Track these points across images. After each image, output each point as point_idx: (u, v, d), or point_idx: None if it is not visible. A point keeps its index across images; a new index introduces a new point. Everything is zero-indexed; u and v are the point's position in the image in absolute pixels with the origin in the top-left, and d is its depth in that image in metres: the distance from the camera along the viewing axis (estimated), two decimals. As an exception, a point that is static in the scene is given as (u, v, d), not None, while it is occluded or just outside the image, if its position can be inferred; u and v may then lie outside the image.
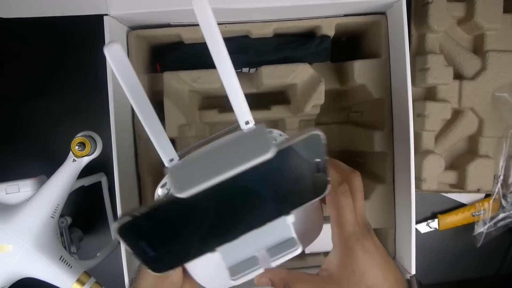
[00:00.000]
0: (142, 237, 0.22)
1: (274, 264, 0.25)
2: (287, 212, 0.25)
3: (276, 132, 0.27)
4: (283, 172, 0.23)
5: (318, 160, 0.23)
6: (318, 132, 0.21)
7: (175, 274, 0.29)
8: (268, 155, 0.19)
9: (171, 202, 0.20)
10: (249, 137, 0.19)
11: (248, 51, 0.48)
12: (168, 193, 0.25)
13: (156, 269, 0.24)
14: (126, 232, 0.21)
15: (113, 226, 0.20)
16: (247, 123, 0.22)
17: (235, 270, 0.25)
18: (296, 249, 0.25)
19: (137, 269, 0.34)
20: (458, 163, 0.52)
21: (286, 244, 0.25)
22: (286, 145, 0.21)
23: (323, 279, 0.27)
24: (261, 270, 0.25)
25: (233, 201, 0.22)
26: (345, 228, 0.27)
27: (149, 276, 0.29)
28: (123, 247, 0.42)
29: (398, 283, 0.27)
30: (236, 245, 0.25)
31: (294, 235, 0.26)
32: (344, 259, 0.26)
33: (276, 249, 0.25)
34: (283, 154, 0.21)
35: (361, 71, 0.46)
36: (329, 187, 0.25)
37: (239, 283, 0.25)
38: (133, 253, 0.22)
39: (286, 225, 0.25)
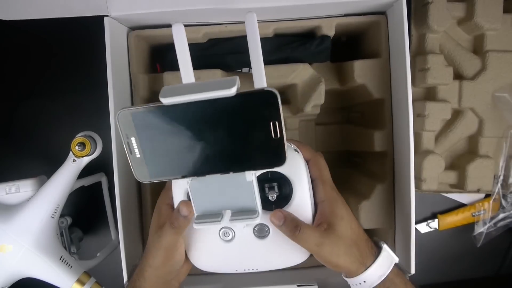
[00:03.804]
0: (133, 133, 0.26)
1: (231, 223, 0.29)
2: (247, 168, 0.27)
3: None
4: (243, 120, 0.25)
5: (275, 122, 0.25)
6: (274, 90, 0.24)
7: (179, 253, 0.34)
8: (230, 91, 0.23)
9: (156, 107, 0.25)
10: (225, 80, 0.24)
11: (248, 51, 0.48)
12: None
13: (138, 174, 0.27)
14: (123, 122, 0.25)
15: (116, 114, 0.25)
16: None
17: (201, 217, 0.29)
18: (254, 217, 0.28)
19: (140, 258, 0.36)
20: (458, 163, 0.52)
21: (248, 212, 0.29)
22: (245, 91, 0.24)
23: (324, 229, 0.32)
24: (220, 225, 0.29)
25: (205, 134, 0.26)
26: (328, 184, 0.34)
27: (158, 255, 0.33)
28: (122, 248, 0.42)
29: (362, 229, 0.35)
30: (208, 196, 0.29)
31: (257, 206, 0.29)
32: (333, 208, 0.33)
33: (238, 213, 0.29)
34: (242, 101, 0.25)
35: (361, 71, 0.46)
36: (287, 159, 0.27)
37: (198, 228, 0.29)
38: (126, 149, 0.26)
39: (250, 190, 0.28)
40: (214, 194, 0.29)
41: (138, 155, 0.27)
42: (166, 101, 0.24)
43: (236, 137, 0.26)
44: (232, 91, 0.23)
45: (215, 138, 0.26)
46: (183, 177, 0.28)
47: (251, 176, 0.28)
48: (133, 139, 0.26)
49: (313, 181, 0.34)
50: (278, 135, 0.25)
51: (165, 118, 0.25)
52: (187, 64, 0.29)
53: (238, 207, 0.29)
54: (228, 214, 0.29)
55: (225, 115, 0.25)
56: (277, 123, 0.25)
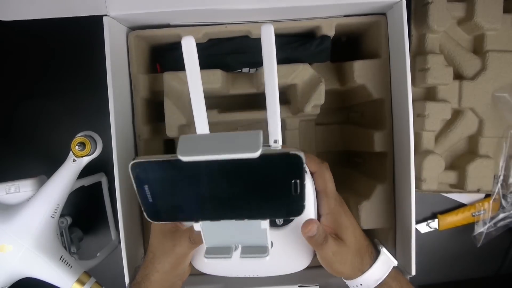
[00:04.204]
0: (146, 182, 0.25)
1: (241, 259, 0.28)
2: (263, 217, 0.27)
3: None
4: (264, 177, 0.25)
5: (296, 180, 0.24)
6: (299, 153, 0.23)
7: (189, 258, 0.34)
8: (254, 154, 0.22)
9: (172, 160, 0.24)
10: (248, 137, 0.23)
11: (248, 51, 0.48)
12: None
13: (149, 215, 0.27)
14: (136, 171, 0.25)
15: (130, 163, 0.25)
16: (275, 141, 0.28)
17: (211, 250, 0.29)
18: (264, 256, 0.28)
19: (142, 259, 0.36)
20: (458, 163, 0.52)
21: (259, 248, 0.29)
22: (269, 152, 0.23)
23: (337, 238, 0.34)
24: (228, 260, 0.29)
25: (223, 186, 0.25)
26: (332, 197, 0.34)
27: (168, 262, 0.33)
28: (123, 247, 0.42)
29: (363, 235, 0.36)
30: (220, 232, 0.29)
31: (268, 244, 0.29)
32: (338, 220, 0.34)
33: (249, 248, 0.29)
34: (266, 162, 0.24)
35: (361, 71, 0.46)
36: (304, 211, 0.26)
37: (208, 262, 0.29)
38: (137, 193, 0.26)
39: (263, 231, 0.28)
40: (225, 231, 0.29)
41: (150, 200, 0.26)
42: (185, 159, 0.23)
43: (255, 191, 0.25)
44: (256, 154, 0.22)
45: (232, 191, 0.25)
46: (197, 221, 0.28)
47: (266, 224, 0.28)
48: (146, 187, 0.26)
49: (317, 192, 0.34)
50: (298, 192, 0.25)
51: (181, 170, 0.25)
52: (201, 106, 0.30)
53: (248, 243, 0.29)
54: (238, 248, 0.29)
55: (245, 172, 0.24)
56: (298, 181, 0.25)
